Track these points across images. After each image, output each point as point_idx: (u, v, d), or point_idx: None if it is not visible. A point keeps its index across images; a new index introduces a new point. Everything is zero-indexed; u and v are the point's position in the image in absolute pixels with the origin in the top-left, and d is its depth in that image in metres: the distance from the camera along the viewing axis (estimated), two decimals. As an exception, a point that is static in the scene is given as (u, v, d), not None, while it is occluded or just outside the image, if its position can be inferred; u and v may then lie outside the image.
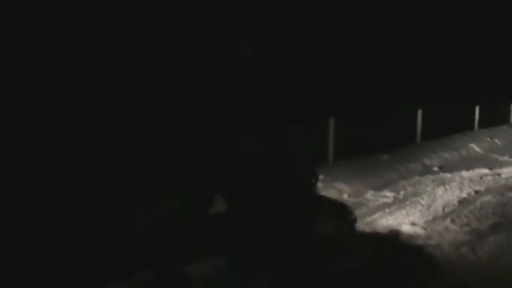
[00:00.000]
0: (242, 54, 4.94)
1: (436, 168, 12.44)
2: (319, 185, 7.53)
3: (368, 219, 8.30)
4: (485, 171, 12.10)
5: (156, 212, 5.01)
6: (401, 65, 17.53)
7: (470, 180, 11.16)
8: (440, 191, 10.17)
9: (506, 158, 13.92)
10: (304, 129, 10.81)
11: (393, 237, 7.43)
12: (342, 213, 5.98)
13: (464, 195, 9.88)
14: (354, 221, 6.24)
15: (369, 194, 9.94)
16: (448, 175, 11.64)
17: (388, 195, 9.93)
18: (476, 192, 10.12)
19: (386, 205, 9.26)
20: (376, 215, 8.58)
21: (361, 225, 7.62)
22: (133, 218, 5.66)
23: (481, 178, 11.38)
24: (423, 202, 9.33)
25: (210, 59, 5.00)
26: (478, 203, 9.33)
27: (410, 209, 8.94)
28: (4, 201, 6.27)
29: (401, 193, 10.08)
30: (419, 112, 15.00)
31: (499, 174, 11.78)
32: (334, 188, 9.75)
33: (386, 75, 16.63)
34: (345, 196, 9.60)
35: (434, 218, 8.44)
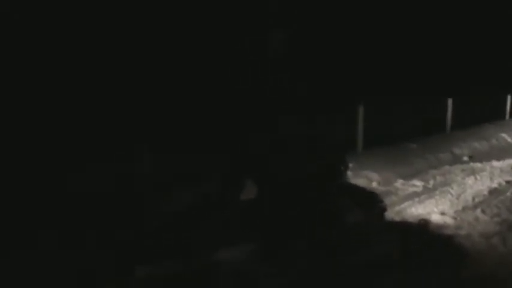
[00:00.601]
0: (276, 44, 4.94)
1: (465, 158, 12.35)
2: (349, 173, 7.53)
3: (397, 208, 8.27)
4: (517, 161, 11.97)
5: (184, 197, 5.06)
6: (430, 55, 17.38)
7: (501, 170, 11.06)
8: (470, 180, 10.10)
9: (538, 148, 13.77)
10: (335, 118, 10.78)
11: (423, 227, 7.38)
12: (372, 201, 5.98)
13: (494, 185, 9.79)
14: (384, 209, 6.25)
15: (398, 183, 9.90)
16: (478, 165, 11.55)
17: (418, 184, 9.89)
18: (507, 182, 10.01)
19: (416, 194, 9.22)
20: (406, 204, 8.55)
21: (390, 214, 7.62)
22: (162, 202, 5.74)
23: (511, 168, 11.27)
24: (453, 192, 9.27)
25: (247, 49, 5.03)
26: (508, 193, 9.24)
27: (440, 198, 8.89)
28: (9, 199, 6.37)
29: (431, 182, 10.03)
30: (450, 101, 14.84)
31: (531, 165, 11.66)
32: (363, 177, 9.73)
33: (416, 65, 16.48)
34: (374, 184, 9.58)
35: (464, 208, 8.38)
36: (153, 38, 9.05)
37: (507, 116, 17.68)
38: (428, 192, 9.34)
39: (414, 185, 9.82)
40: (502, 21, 21.00)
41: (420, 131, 13.40)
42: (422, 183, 9.91)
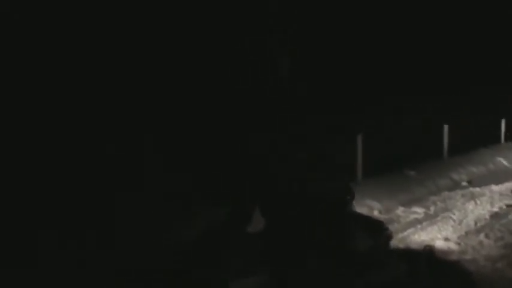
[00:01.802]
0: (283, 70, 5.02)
1: (464, 183, 12.40)
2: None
3: (401, 235, 8.30)
4: (516, 184, 12.04)
5: (196, 225, 5.10)
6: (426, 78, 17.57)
7: (500, 194, 11.13)
8: (470, 205, 10.15)
9: (535, 171, 13.85)
10: (335, 147, 10.83)
11: (427, 253, 7.40)
12: (378, 228, 6.01)
13: (495, 209, 9.85)
14: (390, 236, 6.28)
15: (400, 211, 9.93)
16: (478, 190, 11.60)
17: (419, 211, 9.92)
18: (508, 206, 10.07)
19: (418, 221, 9.26)
20: (409, 231, 8.58)
21: (394, 241, 7.61)
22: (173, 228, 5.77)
23: (511, 192, 11.32)
24: (454, 217, 9.31)
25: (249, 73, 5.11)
26: (510, 216, 9.33)
27: (442, 224, 8.92)
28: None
29: (432, 209, 10.07)
30: (446, 127, 14.94)
31: (529, 188, 11.72)
32: (365, 205, 9.74)
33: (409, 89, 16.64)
34: (376, 213, 9.60)
35: (467, 233, 8.42)
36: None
37: (502, 140, 17.76)
38: (430, 218, 9.37)
39: (415, 212, 9.85)
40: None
41: (417, 157, 13.45)
42: (423, 210, 9.95)
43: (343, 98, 13.81)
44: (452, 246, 7.82)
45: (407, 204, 10.40)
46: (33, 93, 9.09)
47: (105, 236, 5.60)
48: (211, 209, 6.34)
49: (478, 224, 8.88)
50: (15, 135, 8.30)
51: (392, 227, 8.46)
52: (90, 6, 10.21)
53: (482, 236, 8.19)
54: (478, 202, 10.37)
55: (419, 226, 8.87)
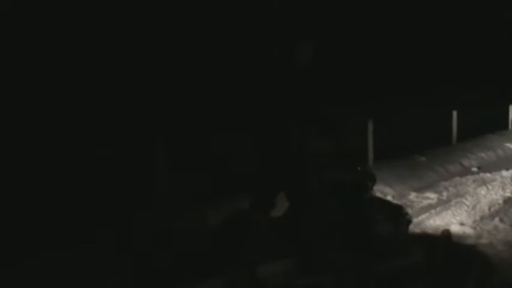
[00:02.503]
0: (304, 56, 5.02)
1: (475, 169, 12.46)
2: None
3: (415, 220, 8.32)
4: (525, 170, 12.08)
5: (222, 213, 5.17)
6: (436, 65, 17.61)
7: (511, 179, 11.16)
8: (482, 191, 10.17)
9: (543, 157, 13.90)
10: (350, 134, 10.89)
11: (444, 237, 7.43)
12: (399, 213, 6.06)
13: (508, 194, 9.88)
14: (409, 221, 6.32)
15: (412, 196, 9.99)
16: (488, 175, 11.64)
17: (432, 196, 9.97)
18: (520, 191, 10.13)
19: (431, 206, 9.31)
20: (423, 216, 8.62)
21: (410, 227, 7.67)
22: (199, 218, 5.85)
23: (521, 177, 11.39)
24: (467, 202, 9.33)
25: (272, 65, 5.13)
26: (523, 201, 9.36)
27: (456, 209, 8.95)
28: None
29: (444, 194, 10.11)
30: (455, 113, 14.97)
31: (540, 173, 11.76)
32: (377, 191, 9.78)
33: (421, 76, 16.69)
34: (389, 198, 9.64)
35: (482, 218, 8.46)
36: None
37: (510, 126, 17.82)
38: (443, 203, 9.41)
39: (428, 198, 9.90)
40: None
41: (427, 143, 13.52)
42: (436, 195, 10.00)
43: (354, 87, 13.87)
44: (468, 230, 7.86)
45: (419, 189, 10.46)
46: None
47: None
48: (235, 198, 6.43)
49: (492, 209, 8.92)
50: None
51: (406, 213, 8.54)
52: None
53: (497, 221, 8.23)
54: (490, 187, 10.40)
55: (433, 211, 8.90)
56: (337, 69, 13.19)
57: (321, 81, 5.45)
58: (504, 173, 11.77)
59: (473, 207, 8.99)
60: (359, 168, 5.79)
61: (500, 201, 9.34)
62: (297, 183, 5.20)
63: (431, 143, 13.71)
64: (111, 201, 7.53)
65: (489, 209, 8.91)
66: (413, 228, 7.82)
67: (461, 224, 8.14)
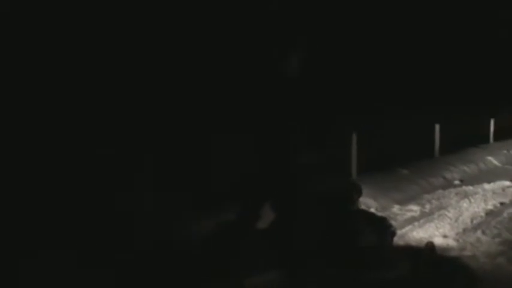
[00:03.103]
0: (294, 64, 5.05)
1: (457, 182, 12.55)
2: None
3: (399, 232, 8.31)
4: (507, 183, 12.18)
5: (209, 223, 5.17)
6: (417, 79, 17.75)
7: (493, 192, 11.26)
8: (465, 203, 10.25)
9: (524, 170, 14.04)
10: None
11: (428, 250, 7.47)
12: (383, 225, 6.10)
13: (490, 207, 9.96)
14: (394, 233, 6.36)
15: (396, 208, 10.03)
16: (470, 188, 11.74)
17: (415, 209, 10.01)
18: (502, 203, 10.20)
19: (414, 219, 9.34)
20: (407, 228, 8.66)
21: (394, 239, 7.71)
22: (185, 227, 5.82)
23: (503, 190, 11.49)
24: (450, 215, 9.39)
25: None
26: (505, 214, 9.42)
27: (439, 221, 9.00)
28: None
29: (427, 207, 10.16)
30: (437, 126, 15.10)
31: (521, 186, 11.88)
32: (361, 203, 9.81)
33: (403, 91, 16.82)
34: (373, 210, 9.66)
35: (465, 230, 8.51)
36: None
37: (491, 140, 18.00)
38: (426, 216, 9.46)
39: (411, 210, 9.94)
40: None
41: (410, 156, 13.60)
42: (419, 208, 10.05)
43: (339, 99, 13.94)
44: (451, 243, 7.91)
45: (403, 202, 10.50)
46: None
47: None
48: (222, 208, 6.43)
49: (474, 222, 8.98)
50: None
51: (390, 225, 8.58)
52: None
53: (479, 233, 8.29)
54: (472, 200, 10.48)
55: (416, 224, 8.95)
56: (322, 81, 13.23)
57: (307, 91, 5.48)
58: (486, 186, 11.88)
59: (456, 220, 9.05)
60: (345, 180, 5.82)
61: (483, 214, 9.41)
62: (284, 195, 5.21)
63: (414, 156, 13.78)
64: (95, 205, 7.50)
65: (471, 221, 8.98)
66: (397, 240, 7.85)
67: (445, 236, 8.19)
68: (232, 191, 5.55)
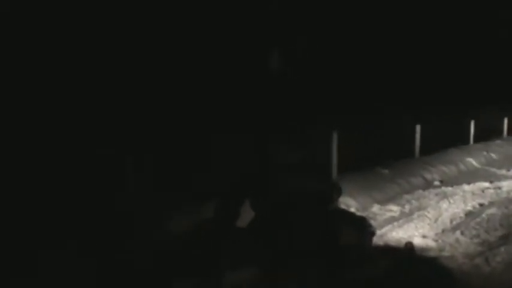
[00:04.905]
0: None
1: (437, 182, 12.57)
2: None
3: (379, 232, 8.33)
4: (486, 184, 12.24)
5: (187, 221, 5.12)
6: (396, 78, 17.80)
7: (473, 193, 11.30)
8: (444, 204, 10.28)
9: (504, 172, 14.10)
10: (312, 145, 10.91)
11: (407, 250, 7.48)
12: (363, 225, 6.08)
13: (469, 208, 9.99)
14: (373, 233, 6.34)
15: (375, 208, 10.03)
16: (450, 189, 11.78)
17: (394, 209, 10.02)
18: (481, 205, 10.24)
19: (394, 219, 9.35)
20: (386, 228, 8.67)
21: (373, 239, 7.70)
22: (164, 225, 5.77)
23: (482, 191, 11.53)
24: (429, 215, 9.41)
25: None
26: (484, 215, 9.45)
27: (418, 222, 9.02)
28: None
29: (407, 207, 10.18)
30: (418, 127, 15.15)
31: (500, 188, 11.92)
32: (341, 203, 9.81)
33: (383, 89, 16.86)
34: (352, 210, 9.65)
35: (444, 231, 8.54)
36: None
37: (471, 141, 18.11)
38: (405, 216, 9.47)
39: (391, 210, 9.95)
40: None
41: (390, 156, 13.63)
42: (399, 208, 10.05)
43: (320, 98, 13.94)
44: (430, 243, 7.92)
45: (382, 202, 10.51)
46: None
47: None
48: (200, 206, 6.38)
49: (454, 222, 9.01)
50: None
51: (370, 225, 8.57)
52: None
53: (458, 234, 8.32)
54: (452, 201, 10.51)
55: (395, 224, 8.96)
56: (304, 80, 13.22)
57: (289, 91, 5.47)
58: (465, 187, 11.92)
59: (436, 220, 9.08)
60: (325, 179, 5.79)
61: (462, 215, 9.44)
62: (262, 194, 5.18)
63: (394, 156, 13.81)
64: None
65: (451, 222, 9.00)
66: (376, 240, 7.85)
67: (424, 236, 8.21)
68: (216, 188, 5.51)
